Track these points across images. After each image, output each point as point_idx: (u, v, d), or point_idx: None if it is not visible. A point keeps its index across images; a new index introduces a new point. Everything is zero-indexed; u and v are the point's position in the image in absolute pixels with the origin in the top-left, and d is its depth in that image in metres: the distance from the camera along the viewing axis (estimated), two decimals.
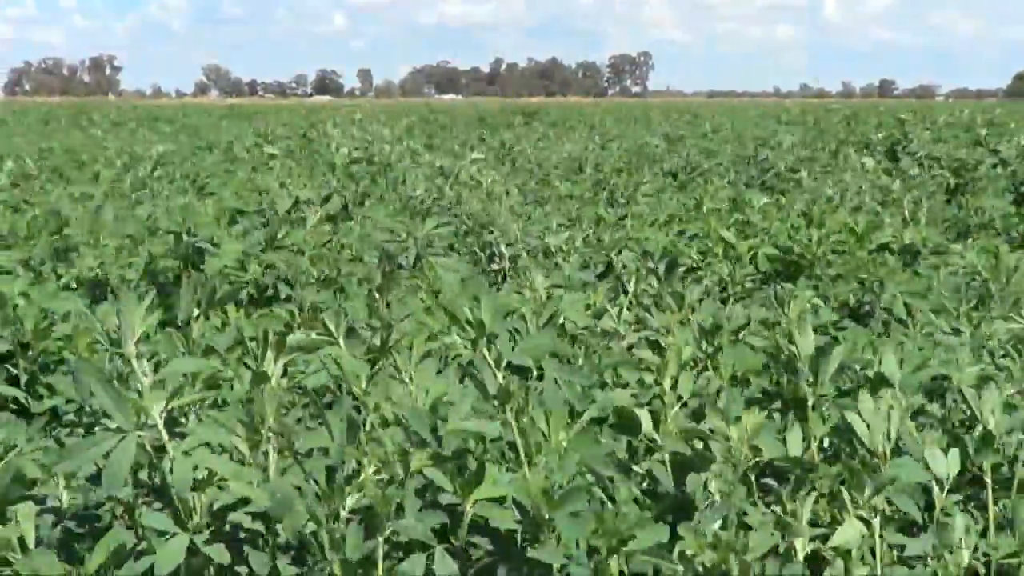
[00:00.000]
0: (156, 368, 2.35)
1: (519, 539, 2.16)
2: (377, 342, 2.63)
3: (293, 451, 2.19)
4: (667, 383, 2.55)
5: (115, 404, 2.04)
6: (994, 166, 11.74)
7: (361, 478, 2.01)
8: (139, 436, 2.05)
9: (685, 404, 2.55)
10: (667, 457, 2.45)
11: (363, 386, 2.45)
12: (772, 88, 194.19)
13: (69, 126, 25.21)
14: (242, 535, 2.16)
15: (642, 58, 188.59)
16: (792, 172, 11.88)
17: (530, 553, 2.02)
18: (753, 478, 2.35)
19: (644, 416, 2.49)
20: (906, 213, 8.36)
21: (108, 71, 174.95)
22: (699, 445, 2.41)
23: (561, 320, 3.41)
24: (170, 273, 4.89)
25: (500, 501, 2.14)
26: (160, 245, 5.11)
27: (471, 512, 2.12)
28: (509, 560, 2.15)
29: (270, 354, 2.33)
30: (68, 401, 3.23)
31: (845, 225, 6.58)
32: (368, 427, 2.25)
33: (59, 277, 4.81)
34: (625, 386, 2.77)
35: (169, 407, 2.14)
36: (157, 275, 4.81)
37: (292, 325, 2.99)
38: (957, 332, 3.43)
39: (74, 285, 4.77)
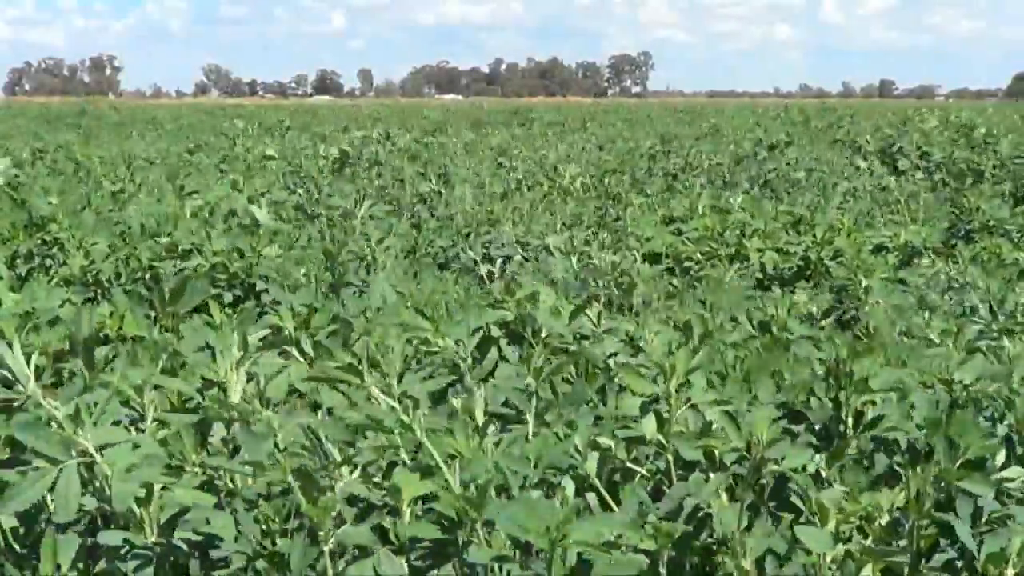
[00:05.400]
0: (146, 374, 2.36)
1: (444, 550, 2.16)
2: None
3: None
4: (672, 386, 2.54)
5: (42, 442, 2.07)
6: (994, 167, 11.75)
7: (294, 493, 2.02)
8: (76, 463, 2.06)
9: (695, 407, 2.54)
10: (672, 461, 2.44)
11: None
12: (772, 88, 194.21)
13: (68, 126, 25.19)
14: (197, 539, 2.19)
15: (642, 58, 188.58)
16: (790, 173, 11.89)
17: (467, 555, 2.04)
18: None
19: (649, 419, 2.48)
20: (905, 214, 8.36)
21: (108, 71, 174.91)
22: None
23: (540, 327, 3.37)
24: (153, 273, 4.88)
25: (433, 497, 2.15)
26: (144, 246, 5.10)
27: (408, 511, 2.14)
28: (446, 559, 2.16)
29: (231, 362, 2.32)
30: None
31: (841, 227, 6.58)
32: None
33: (51, 277, 4.81)
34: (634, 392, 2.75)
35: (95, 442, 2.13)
36: (143, 275, 4.81)
37: (281, 327, 2.98)
38: (933, 343, 3.42)
39: (64, 285, 4.75)
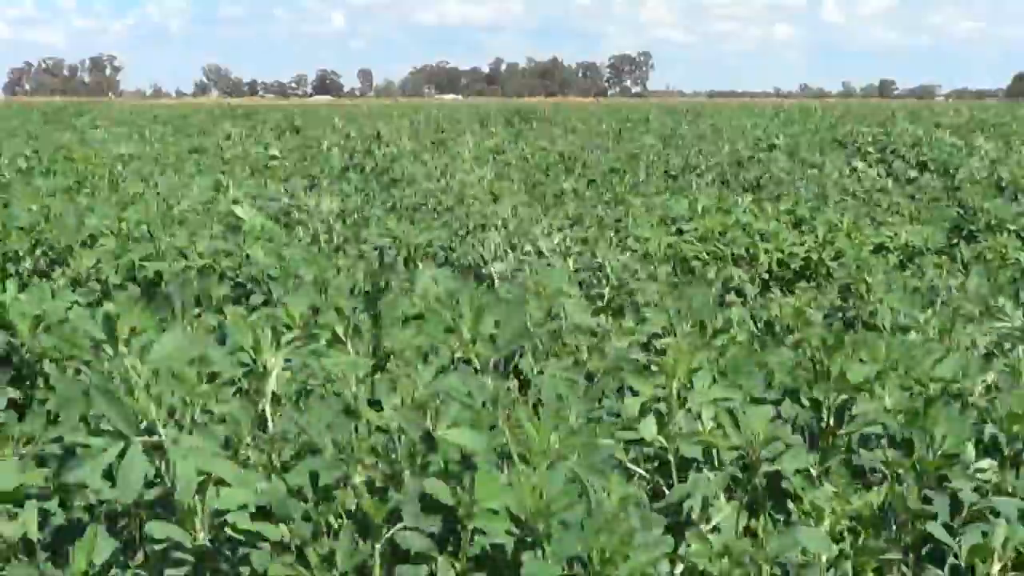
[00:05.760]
0: (156, 373, 2.35)
1: (516, 548, 2.10)
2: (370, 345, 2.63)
3: (279, 460, 2.17)
4: (674, 386, 2.55)
5: (115, 410, 2.00)
6: (991, 166, 11.76)
7: (352, 485, 2.00)
8: (142, 441, 2.01)
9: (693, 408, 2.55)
10: (673, 460, 2.45)
11: (354, 389, 2.43)
12: (772, 88, 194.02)
13: (68, 126, 25.17)
14: (242, 539, 2.13)
15: (642, 58, 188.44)
16: (788, 174, 11.90)
17: (524, 571, 1.99)
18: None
19: (649, 419, 2.49)
20: (904, 214, 8.37)
21: (108, 71, 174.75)
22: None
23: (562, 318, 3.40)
24: (151, 274, 4.89)
25: (497, 510, 2.09)
26: (141, 246, 5.12)
27: (472, 524, 2.06)
28: (505, 570, 2.11)
29: (271, 351, 2.29)
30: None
31: (841, 227, 6.59)
32: (365, 431, 2.24)
33: (51, 279, 4.82)
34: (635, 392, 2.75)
35: (165, 408, 2.09)
36: (143, 276, 4.82)
37: (291, 326, 2.99)
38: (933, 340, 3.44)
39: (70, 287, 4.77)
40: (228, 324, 2.72)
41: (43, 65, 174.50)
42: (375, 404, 2.33)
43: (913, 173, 12.30)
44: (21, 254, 5.37)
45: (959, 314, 4.06)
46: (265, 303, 4.47)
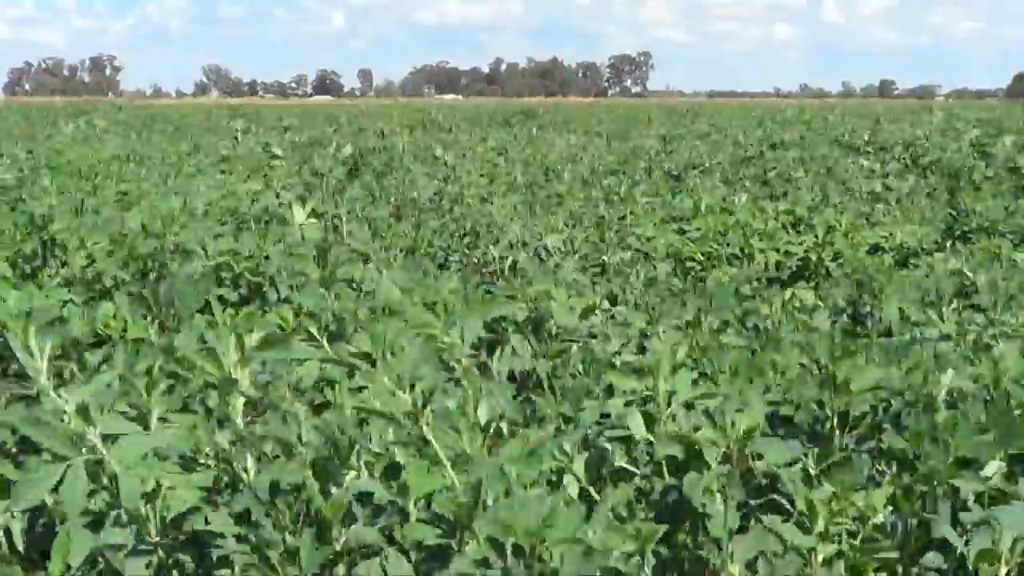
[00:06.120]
0: (149, 372, 2.38)
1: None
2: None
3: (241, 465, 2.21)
4: (661, 384, 2.56)
5: (48, 437, 2.05)
6: (986, 167, 11.77)
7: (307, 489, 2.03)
8: (83, 459, 2.05)
9: (688, 406, 2.56)
10: (663, 459, 2.46)
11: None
12: (772, 88, 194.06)
13: (68, 126, 25.19)
14: (204, 540, 2.19)
15: (642, 58, 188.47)
16: (787, 174, 11.91)
17: (452, 566, 2.04)
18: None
19: (636, 418, 2.50)
20: (897, 214, 8.37)
21: (108, 71, 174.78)
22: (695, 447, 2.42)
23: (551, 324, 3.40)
24: (154, 273, 4.90)
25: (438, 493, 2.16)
26: (144, 245, 5.12)
27: (415, 513, 2.15)
28: (446, 561, 2.16)
29: (234, 356, 2.32)
30: None
31: (839, 227, 6.60)
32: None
33: (50, 277, 4.82)
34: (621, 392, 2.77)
35: (99, 430, 2.11)
36: (146, 275, 4.82)
37: (284, 326, 3.00)
38: (948, 337, 3.44)
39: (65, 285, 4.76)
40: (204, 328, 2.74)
41: (43, 65, 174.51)
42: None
43: (913, 172, 12.31)
44: (25, 253, 5.37)
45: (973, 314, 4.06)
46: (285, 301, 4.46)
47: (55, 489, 2.02)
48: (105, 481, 2.13)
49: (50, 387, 2.18)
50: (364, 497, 2.18)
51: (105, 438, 2.10)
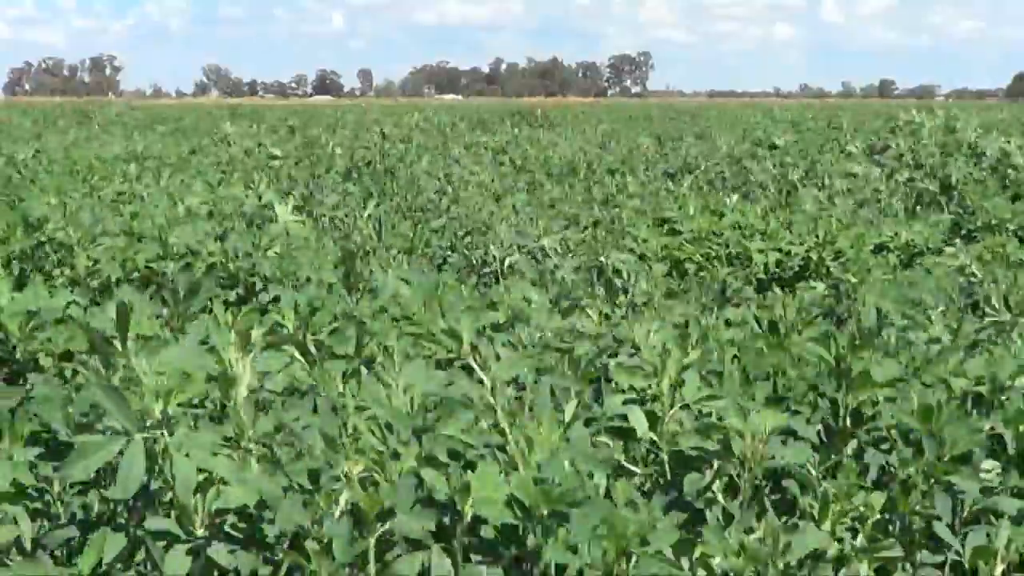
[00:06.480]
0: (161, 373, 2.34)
1: (514, 541, 2.11)
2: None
3: (274, 456, 2.16)
4: (665, 384, 2.54)
5: (117, 407, 1.98)
6: (981, 169, 11.76)
7: (347, 478, 1.98)
8: (144, 438, 2.00)
9: (687, 406, 2.55)
10: (666, 459, 2.45)
11: (339, 387, 2.42)
12: (772, 88, 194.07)
13: (66, 126, 25.17)
14: (240, 536, 2.12)
15: (642, 58, 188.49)
16: (786, 175, 11.89)
17: (545, 556, 1.98)
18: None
19: (640, 418, 2.49)
20: (900, 214, 8.36)
21: (108, 71, 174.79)
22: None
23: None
24: (155, 273, 4.89)
25: (496, 503, 2.09)
26: (144, 246, 5.12)
27: (469, 512, 2.06)
28: (503, 561, 2.11)
29: (237, 355, 2.27)
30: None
31: (841, 227, 6.58)
32: (351, 429, 2.23)
33: (52, 277, 4.82)
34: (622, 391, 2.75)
35: (167, 407, 2.07)
36: (147, 276, 4.82)
37: (284, 325, 2.98)
38: (937, 340, 3.42)
39: (69, 286, 4.76)
40: (210, 326, 2.72)
41: (43, 65, 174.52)
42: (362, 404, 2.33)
43: (913, 172, 12.29)
44: (27, 252, 5.37)
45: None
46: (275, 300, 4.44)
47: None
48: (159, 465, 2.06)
49: (132, 353, 2.11)
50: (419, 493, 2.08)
51: (162, 420, 2.02)
